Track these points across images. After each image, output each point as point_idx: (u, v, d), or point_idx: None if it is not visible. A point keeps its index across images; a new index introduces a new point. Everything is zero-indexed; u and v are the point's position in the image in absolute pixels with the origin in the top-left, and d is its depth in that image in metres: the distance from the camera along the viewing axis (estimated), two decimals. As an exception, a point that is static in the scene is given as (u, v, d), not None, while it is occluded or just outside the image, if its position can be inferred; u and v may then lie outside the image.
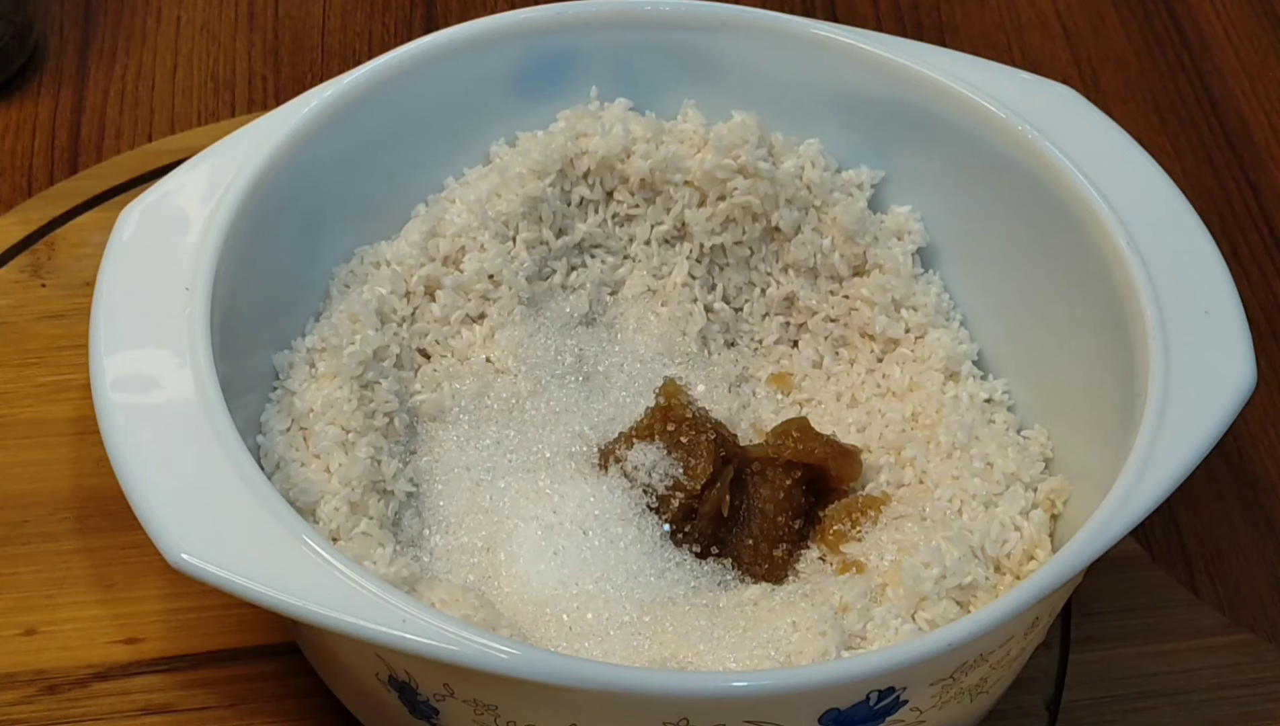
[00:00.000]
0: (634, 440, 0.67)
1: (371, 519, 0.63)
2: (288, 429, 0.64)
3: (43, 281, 0.78)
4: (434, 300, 0.70)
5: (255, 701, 0.66)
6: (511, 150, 0.73)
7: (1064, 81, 0.72)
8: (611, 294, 0.74)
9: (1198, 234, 0.65)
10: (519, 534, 0.65)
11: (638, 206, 0.73)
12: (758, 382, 0.73)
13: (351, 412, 0.64)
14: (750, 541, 0.66)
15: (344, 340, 0.66)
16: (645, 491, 0.66)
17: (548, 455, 0.68)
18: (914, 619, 0.61)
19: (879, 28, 0.96)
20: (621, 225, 0.73)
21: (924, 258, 0.73)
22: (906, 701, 0.55)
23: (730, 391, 0.72)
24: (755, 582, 0.65)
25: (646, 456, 0.66)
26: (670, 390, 0.68)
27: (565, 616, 0.62)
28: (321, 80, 0.71)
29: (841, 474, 0.67)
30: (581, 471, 0.67)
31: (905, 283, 0.72)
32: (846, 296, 0.72)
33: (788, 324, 0.74)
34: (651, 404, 0.68)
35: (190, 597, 0.67)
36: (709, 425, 0.67)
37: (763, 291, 0.74)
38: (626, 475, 0.67)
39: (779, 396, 0.73)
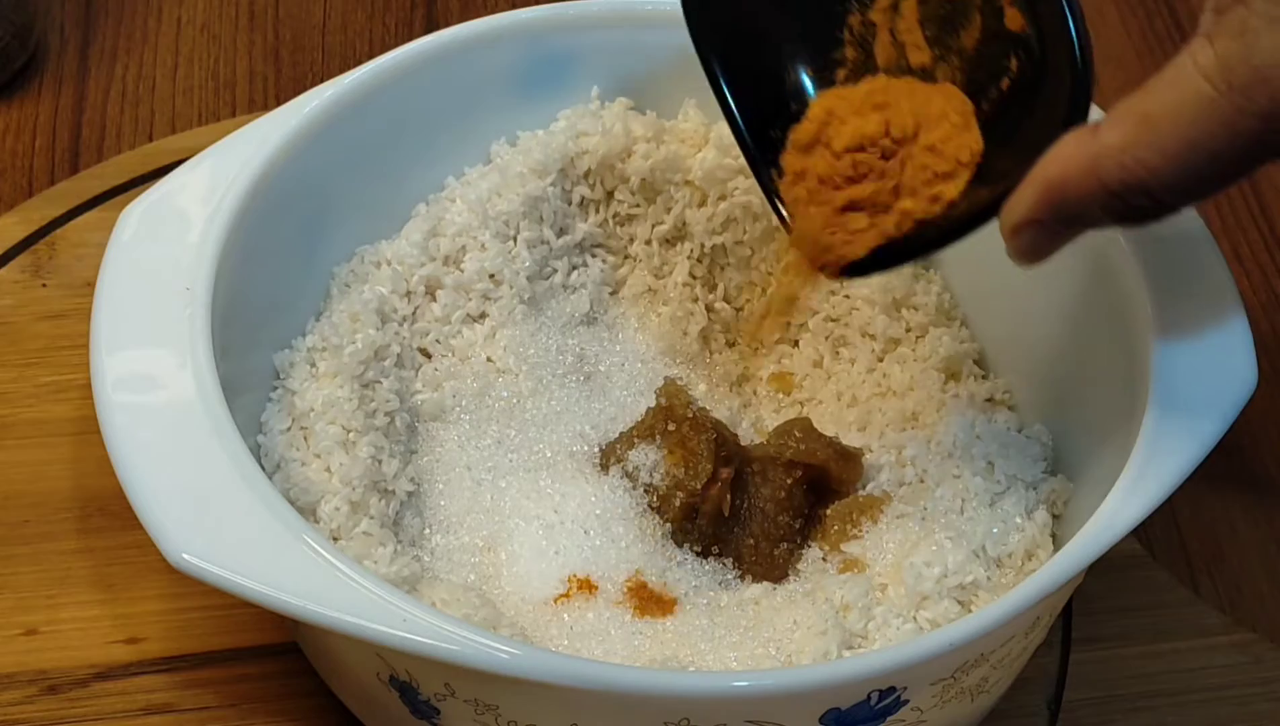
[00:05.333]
0: (635, 440, 0.67)
1: (372, 518, 0.63)
2: (288, 428, 0.64)
3: (43, 281, 0.78)
4: (435, 299, 0.70)
5: (256, 701, 0.66)
6: (512, 149, 0.73)
7: (1065, 81, 0.72)
8: (612, 293, 0.74)
9: (1198, 234, 0.65)
10: (520, 533, 0.65)
11: (638, 206, 0.73)
12: (758, 382, 0.73)
13: (352, 412, 0.64)
14: (751, 541, 0.66)
15: (345, 339, 0.66)
16: (646, 491, 0.66)
17: (549, 455, 0.68)
18: (915, 618, 0.61)
19: (879, 27, 0.96)
20: (622, 225, 0.73)
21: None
22: (907, 701, 0.55)
23: (731, 391, 0.73)
24: (756, 582, 0.65)
25: (647, 456, 0.66)
26: (671, 390, 0.68)
27: (566, 616, 0.62)
28: (322, 80, 0.71)
29: (843, 476, 0.67)
30: (583, 471, 0.67)
31: (906, 282, 0.72)
32: (847, 296, 0.72)
33: (788, 323, 0.74)
34: (652, 403, 0.68)
35: (191, 597, 0.67)
36: (710, 425, 0.67)
37: (764, 291, 0.74)
38: (628, 475, 0.67)
39: (780, 396, 0.73)
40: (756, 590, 0.64)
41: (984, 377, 0.71)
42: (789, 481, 0.66)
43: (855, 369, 0.72)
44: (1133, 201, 0.51)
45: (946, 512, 0.65)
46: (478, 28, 0.72)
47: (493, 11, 0.88)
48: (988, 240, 0.71)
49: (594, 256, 0.73)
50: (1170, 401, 0.59)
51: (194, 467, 0.57)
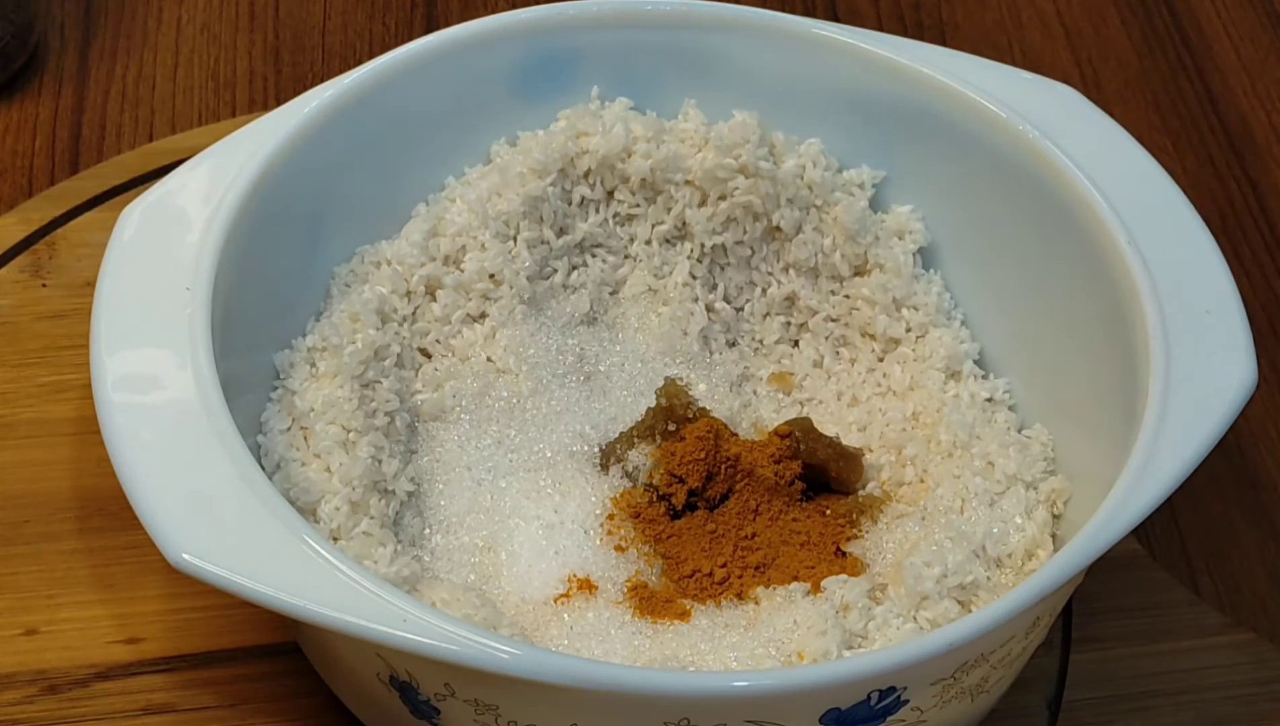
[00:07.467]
0: (635, 440, 0.67)
1: (372, 518, 0.63)
2: (288, 428, 0.64)
3: (43, 281, 0.78)
4: (435, 299, 0.70)
5: (256, 701, 0.66)
6: (512, 149, 0.73)
7: (1065, 81, 0.72)
8: (612, 293, 0.74)
9: (1198, 233, 0.65)
10: (520, 533, 0.65)
11: (638, 206, 0.73)
12: (759, 382, 0.73)
13: (352, 412, 0.64)
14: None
15: (345, 339, 0.66)
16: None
17: (549, 455, 0.68)
18: (915, 618, 0.61)
19: (880, 27, 0.96)
20: (622, 225, 0.73)
21: (925, 257, 0.73)
22: (907, 701, 0.55)
23: (731, 391, 0.72)
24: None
25: (647, 456, 0.66)
26: (671, 390, 0.68)
27: (566, 616, 0.62)
28: (322, 80, 0.71)
29: (843, 477, 0.67)
30: (583, 471, 0.67)
31: (906, 282, 0.71)
32: (847, 296, 0.72)
33: (789, 323, 0.74)
34: (652, 403, 0.68)
35: (191, 597, 0.67)
36: (710, 425, 0.67)
37: (764, 291, 0.74)
38: (628, 475, 0.67)
39: (780, 396, 0.73)
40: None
41: (985, 377, 0.71)
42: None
43: (855, 369, 0.72)
44: None
45: (946, 512, 0.65)
46: (478, 28, 0.72)
47: (493, 11, 0.88)
48: (987, 239, 0.72)
49: (594, 256, 0.73)
50: (1170, 401, 0.59)
51: (194, 467, 0.57)
